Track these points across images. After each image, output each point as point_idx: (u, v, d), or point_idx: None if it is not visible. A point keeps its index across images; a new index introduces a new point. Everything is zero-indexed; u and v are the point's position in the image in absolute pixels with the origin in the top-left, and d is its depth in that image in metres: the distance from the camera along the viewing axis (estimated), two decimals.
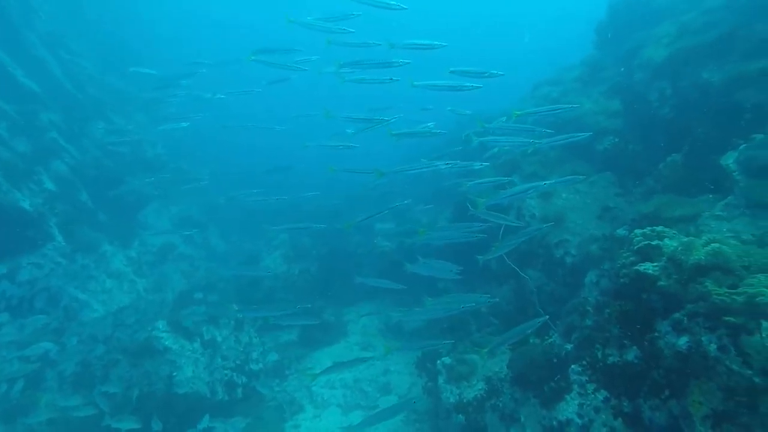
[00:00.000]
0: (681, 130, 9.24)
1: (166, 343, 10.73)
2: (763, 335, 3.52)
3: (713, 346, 3.88)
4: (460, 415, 8.43)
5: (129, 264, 15.67)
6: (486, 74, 8.86)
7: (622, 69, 12.28)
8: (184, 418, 9.89)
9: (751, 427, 3.58)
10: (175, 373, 10.36)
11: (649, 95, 10.64)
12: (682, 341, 4.16)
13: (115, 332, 11.60)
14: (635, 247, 5.05)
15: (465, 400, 8.64)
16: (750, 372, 3.60)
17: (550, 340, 8.37)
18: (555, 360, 7.90)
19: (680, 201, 8.05)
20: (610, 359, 5.46)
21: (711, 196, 7.78)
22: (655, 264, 4.69)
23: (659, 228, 5.14)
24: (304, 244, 17.65)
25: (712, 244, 4.25)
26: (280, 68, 11.93)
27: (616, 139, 11.27)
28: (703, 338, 3.99)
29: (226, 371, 11.77)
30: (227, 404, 11.19)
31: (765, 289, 3.66)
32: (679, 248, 4.38)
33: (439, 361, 10.64)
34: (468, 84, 8.89)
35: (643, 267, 4.73)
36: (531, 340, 9.19)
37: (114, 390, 9.85)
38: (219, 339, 12.36)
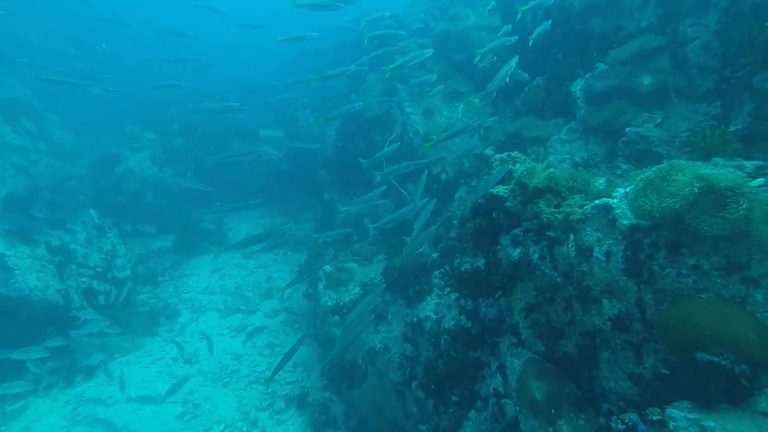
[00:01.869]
0: (546, 54, 9.87)
1: None
2: (569, 246, 4.33)
3: (536, 255, 4.68)
4: (336, 316, 9.20)
5: None
6: None
7: None
8: (32, 328, 9.01)
9: (549, 313, 4.57)
10: (12, 281, 9.10)
11: (525, 17, 10.96)
12: (516, 252, 4.93)
13: None
14: (493, 171, 5.53)
15: (341, 303, 9.38)
16: (556, 274, 4.48)
17: (420, 251, 9.31)
18: (423, 267, 8.91)
19: (537, 124, 8.98)
20: (464, 266, 6.28)
21: (561, 120, 8.83)
22: (506, 187, 5.26)
23: (514, 153, 5.68)
24: (176, 146, 15.66)
25: (549, 170, 4.87)
26: None
27: (495, 58, 11.68)
28: (530, 249, 4.77)
29: (83, 279, 10.61)
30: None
31: (577, 209, 4.41)
32: (525, 173, 4.94)
33: (320, 270, 11.16)
34: None
35: (496, 189, 5.27)
36: (403, 249, 10.11)
37: None
38: (72, 246, 10.85)
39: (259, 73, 21.59)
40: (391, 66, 9.66)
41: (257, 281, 13.02)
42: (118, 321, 9.69)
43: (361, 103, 9.93)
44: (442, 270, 7.41)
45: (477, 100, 8.45)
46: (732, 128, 4.36)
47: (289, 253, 14.90)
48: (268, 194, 16.64)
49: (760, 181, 3.27)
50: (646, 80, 6.60)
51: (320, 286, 10.39)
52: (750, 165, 3.70)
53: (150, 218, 14.08)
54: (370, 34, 10.65)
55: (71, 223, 10.89)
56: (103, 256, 11.26)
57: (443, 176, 10.74)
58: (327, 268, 11.11)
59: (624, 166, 5.42)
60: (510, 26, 9.02)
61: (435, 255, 9.12)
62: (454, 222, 8.76)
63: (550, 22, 8.22)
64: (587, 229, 4.17)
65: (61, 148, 16.69)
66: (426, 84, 10.97)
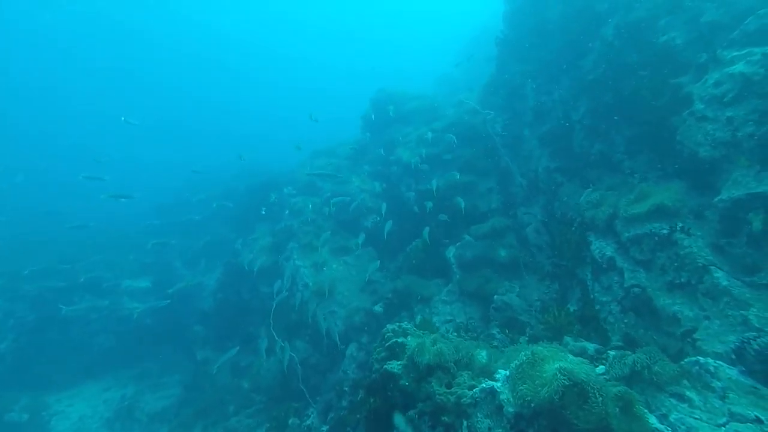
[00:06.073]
0: (419, 221, 11.50)
1: None
2: None
3: None
4: None
5: None
6: None
7: (382, 152, 14.74)
8: None
9: None
10: None
11: (401, 187, 13.04)
12: None
13: None
14: (386, 344, 5.65)
15: None
16: None
17: (308, 422, 8.35)
18: None
19: (421, 282, 9.80)
20: None
21: (440, 280, 9.85)
22: (399, 362, 5.33)
23: (405, 325, 5.97)
24: None
25: (437, 345, 5.17)
26: None
27: (378, 218, 13.10)
28: None
29: None
30: None
31: (467, 391, 4.62)
32: (416, 349, 5.14)
33: None
34: None
35: (389, 366, 5.30)
36: (290, 421, 8.98)
37: None
38: None
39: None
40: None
41: None
42: None
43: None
44: None
45: None
46: (571, 308, 5.38)
47: None
48: (120, 357, 13.84)
49: (601, 368, 3.92)
50: (503, 252, 8.01)
51: None
52: (591, 347, 4.47)
53: None
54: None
55: None
56: None
57: (334, 331, 10.45)
58: None
59: (498, 336, 6.06)
60: (385, 204, 10.49)
61: (325, 428, 8.23)
62: (346, 388, 8.28)
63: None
64: (478, 414, 4.32)
65: None
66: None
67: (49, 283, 12.70)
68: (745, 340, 3.86)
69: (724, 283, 4.67)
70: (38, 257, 13.46)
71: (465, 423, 4.39)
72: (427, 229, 8.99)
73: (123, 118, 13.98)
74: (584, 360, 4.05)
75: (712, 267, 4.88)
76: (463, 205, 9.65)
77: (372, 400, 5.38)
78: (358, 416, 6.66)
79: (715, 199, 5.31)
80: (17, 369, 11.55)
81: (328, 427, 7.99)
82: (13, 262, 13.18)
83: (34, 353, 11.99)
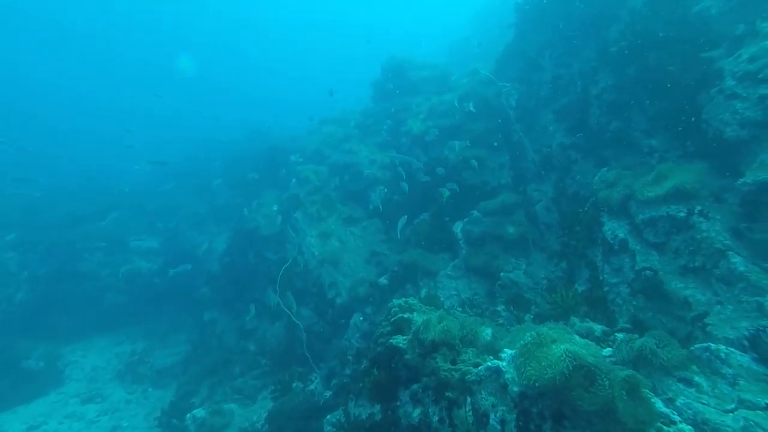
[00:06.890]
0: (431, 194, 11.38)
1: None
2: (467, 409, 4.42)
3: (435, 418, 4.64)
4: None
5: None
6: None
7: (391, 122, 14.40)
8: None
9: None
10: None
11: (410, 157, 12.78)
12: (416, 413, 4.84)
13: None
14: (392, 319, 5.67)
15: None
16: None
17: (311, 387, 8.57)
18: (314, 409, 8.11)
19: (427, 257, 9.77)
20: (360, 415, 5.88)
21: (446, 255, 9.81)
22: (404, 337, 5.35)
23: (411, 300, 5.96)
24: (6, 264, 12.62)
25: (444, 322, 5.15)
26: None
27: (385, 190, 12.97)
28: (430, 409, 4.73)
29: None
30: None
31: (472, 368, 4.64)
32: (422, 326, 5.13)
33: (189, 415, 9.39)
34: None
35: (395, 340, 5.33)
36: (294, 385, 9.23)
37: None
38: None
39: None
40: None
41: None
42: None
43: None
44: (336, 421, 6.84)
45: None
46: (579, 288, 5.31)
47: (150, 389, 12.32)
48: (132, 314, 14.21)
49: (608, 351, 3.88)
50: (511, 229, 7.89)
51: None
52: (598, 329, 4.43)
53: None
54: None
55: None
56: None
57: (338, 300, 10.58)
58: (199, 412, 9.42)
59: (503, 313, 6.04)
60: (401, 169, 10.29)
61: (328, 394, 8.45)
62: (350, 357, 8.42)
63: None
64: (482, 392, 4.35)
65: None
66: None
67: (62, 238, 12.91)
68: (761, 328, 3.80)
69: (741, 268, 4.55)
70: (52, 213, 13.62)
71: (469, 399, 4.43)
72: (445, 191, 8.86)
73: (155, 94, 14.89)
74: (591, 342, 4.02)
75: (730, 252, 4.75)
76: (476, 165, 9.44)
77: (376, 371, 5.45)
78: (361, 385, 6.77)
79: (738, 182, 5.10)
80: (32, 319, 11.92)
81: (331, 392, 8.19)
82: (29, 215, 13.38)
83: (49, 305, 12.35)
